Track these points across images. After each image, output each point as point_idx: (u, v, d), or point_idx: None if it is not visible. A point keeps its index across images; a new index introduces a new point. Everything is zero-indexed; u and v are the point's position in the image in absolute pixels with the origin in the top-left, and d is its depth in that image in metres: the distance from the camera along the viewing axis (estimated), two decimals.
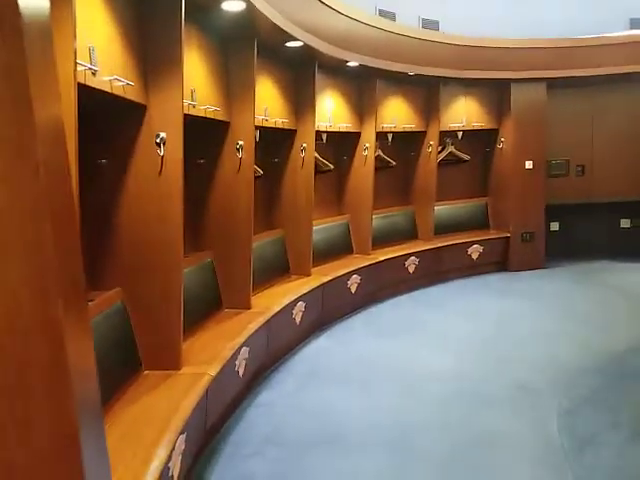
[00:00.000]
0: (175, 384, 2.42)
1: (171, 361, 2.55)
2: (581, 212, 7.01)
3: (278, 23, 3.42)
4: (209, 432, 2.72)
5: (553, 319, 4.76)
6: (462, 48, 5.91)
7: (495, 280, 6.23)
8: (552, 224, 7.05)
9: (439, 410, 3.15)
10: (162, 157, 2.50)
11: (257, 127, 3.78)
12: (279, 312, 3.64)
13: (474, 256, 6.35)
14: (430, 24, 6.28)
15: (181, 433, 2.06)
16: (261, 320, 3.34)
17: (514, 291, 5.75)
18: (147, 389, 2.38)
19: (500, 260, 6.59)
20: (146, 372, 2.53)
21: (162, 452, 1.86)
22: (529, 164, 6.51)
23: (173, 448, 1.95)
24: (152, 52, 2.50)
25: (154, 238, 2.51)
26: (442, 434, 2.87)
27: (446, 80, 6.06)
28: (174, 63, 2.52)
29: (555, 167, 6.90)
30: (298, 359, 3.99)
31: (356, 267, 5.04)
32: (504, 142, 6.61)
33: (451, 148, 6.55)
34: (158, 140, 2.48)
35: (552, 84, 6.47)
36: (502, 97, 6.57)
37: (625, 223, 7.22)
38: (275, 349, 3.79)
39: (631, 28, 6.63)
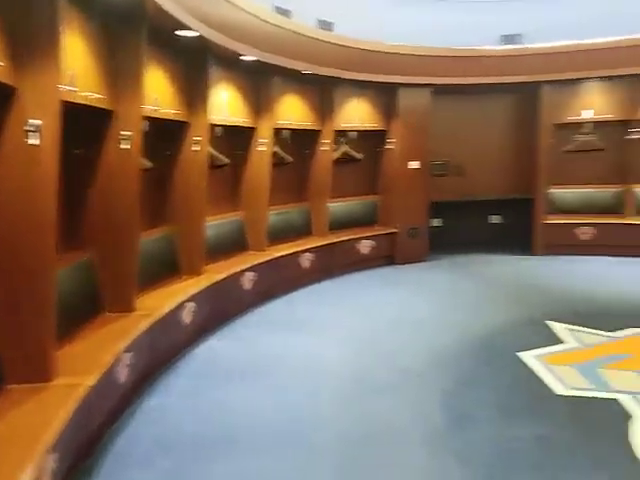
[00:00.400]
0: (45, 398, 2.22)
1: (40, 373, 2.33)
2: (459, 209, 7.61)
3: (169, 9, 3.27)
4: (88, 446, 2.54)
5: (435, 308, 5.12)
6: (355, 51, 6.11)
7: (384, 273, 6.54)
8: (434, 220, 7.58)
9: (334, 403, 3.23)
10: (34, 147, 2.26)
11: (146, 118, 3.59)
12: (167, 314, 3.49)
13: (365, 251, 6.62)
14: (325, 25, 6.38)
15: (51, 452, 1.89)
16: (146, 323, 3.18)
17: (401, 283, 6.10)
18: (12, 405, 2.15)
19: (388, 254, 6.92)
20: (11, 386, 2.28)
21: (27, 475, 1.68)
22: (414, 164, 6.92)
23: (41, 469, 1.78)
24: (25, 30, 2.26)
25: (20, 237, 2.28)
26: (338, 428, 2.94)
27: (340, 81, 6.22)
28: (50, 44, 2.31)
29: (437, 167, 7.41)
30: (189, 361, 3.86)
31: (251, 264, 5.00)
32: (393, 143, 6.95)
33: (345, 147, 6.74)
34: (31, 128, 2.25)
35: (436, 90, 6.91)
36: (391, 100, 6.89)
37: (495, 219, 7.97)
38: (163, 352, 3.63)
39: (502, 43, 7.29)
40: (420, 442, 2.81)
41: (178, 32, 3.82)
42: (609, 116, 7.20)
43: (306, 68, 5.57)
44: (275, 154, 5.79)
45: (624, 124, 7.16)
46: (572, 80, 7.13)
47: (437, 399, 3.26)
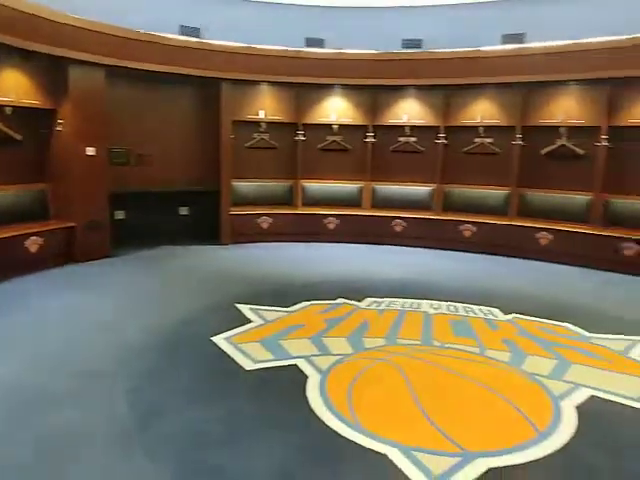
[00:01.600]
0: None
1: None
2: (145, 200, 7.27)
3: None
4: None
5: (121, 306, 4.70)
6: (6, 10, 5.06)
7: (61, 274, 5.69)
8: (118, 212, 7.05)
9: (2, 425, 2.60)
10: None
11: None
12: None
13: (34, 250, 5.60)
14: None
15: None
16: None
17: (82, 283, 5.38)
18: None
19: (65, 252, 6.06)
20: None
21: None
22: (91, 150, 6.24)
23: None
24: None
25: None
26: (7, 455, 2.42)
27: None
28: None
29: (118, 155, 6.91)
30: None
31: None
32: (63, 125, 6.09)
33: None
34: None
35: (113, 73, 6.39)
36: (59, 76, 6.01)
37: (183, 210, 7.93)
38: None
39: (182, 34, 7.28)
40: (108, 447, 2.53)
41: None
42: (279, 117, 8.03)
43: None
44: None
45: (292, 126, 8.10)
46: (250, 81, 7.66)
47: (124, 399, 2.99)
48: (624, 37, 6.37)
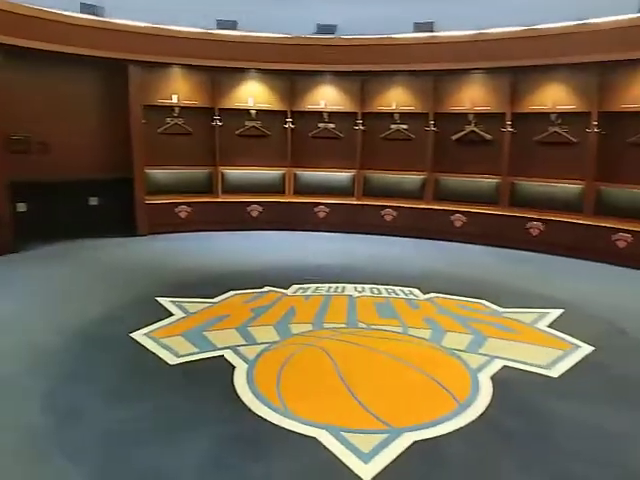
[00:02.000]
0: None
1: None
2: (50, 191, 6.74)
3: None
4: None
5: (24, 306, 4.33)
6: None
7: None
8: (19, 205, 6.50)
9: None
10: None
11: None
12: None
13: None
14: None
15: None
16: None
17: None
18: None
19: None
20: None
21: None
22: None
23: None
24: None
25: None
26: None
27: None
28: None
29: (16, 143, 6.33)
30: None
31: None
32: None
33: None
34: None
35: (7, 52, 5.84)
36: None
37: (93, 200, 7.43)
38: None
39: (82, 12, 6.80)
40: (24, 457, 2.36)
41: None
42: (194, 102, 7.74)
43: None
44: None
45: (209, 111, 7.85)
46: (160, 63, 7.30)
47: (36, 404, 2.78)
48: (521, 28, 6.78)
